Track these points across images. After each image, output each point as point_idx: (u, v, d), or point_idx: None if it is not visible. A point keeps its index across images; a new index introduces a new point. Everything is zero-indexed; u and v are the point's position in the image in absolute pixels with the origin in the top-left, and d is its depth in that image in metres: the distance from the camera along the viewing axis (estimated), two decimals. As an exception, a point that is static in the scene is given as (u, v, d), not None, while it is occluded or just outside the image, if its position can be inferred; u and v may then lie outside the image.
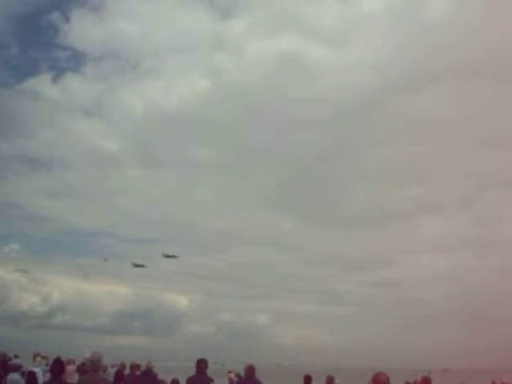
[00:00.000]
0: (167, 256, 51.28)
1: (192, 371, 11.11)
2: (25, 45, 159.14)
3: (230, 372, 13.73)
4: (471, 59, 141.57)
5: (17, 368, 12.27)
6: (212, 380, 11.01)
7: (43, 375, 12.91)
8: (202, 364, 10.96)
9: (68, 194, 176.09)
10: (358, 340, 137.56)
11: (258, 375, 11.67)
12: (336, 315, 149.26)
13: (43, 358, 16.98)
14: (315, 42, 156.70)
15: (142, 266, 50.78)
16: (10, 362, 14.38)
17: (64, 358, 12.57)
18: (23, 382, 11.75)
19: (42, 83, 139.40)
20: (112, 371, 16.45)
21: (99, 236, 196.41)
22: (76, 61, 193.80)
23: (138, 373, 16.09)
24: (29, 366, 14.53)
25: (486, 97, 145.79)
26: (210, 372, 11.09)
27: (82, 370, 14.72)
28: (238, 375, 13.36)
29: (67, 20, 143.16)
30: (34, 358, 16.46)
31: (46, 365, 14.86)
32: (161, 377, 15.65)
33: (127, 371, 16.22)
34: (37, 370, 13.06)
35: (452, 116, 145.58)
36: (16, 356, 17.97)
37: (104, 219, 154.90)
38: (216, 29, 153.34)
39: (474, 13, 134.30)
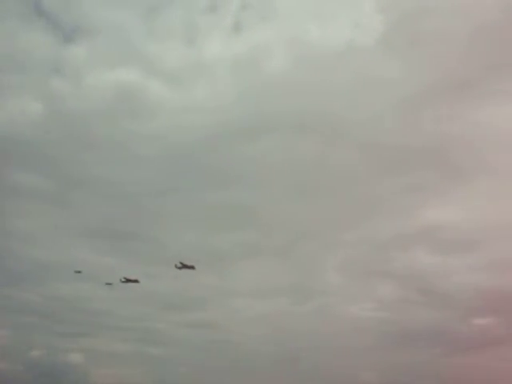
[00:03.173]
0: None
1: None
2: None
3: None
4: (303, 115, 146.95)
5: None
6: None
7: None
8: None
9: None
10: (171, 382, 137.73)
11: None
12: (152, 355, 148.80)
13: None
14: (156, 80, 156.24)
15: None
16: None
17: None
18: None
19: None
20: None
21: None
22: None
23: None
24: None
25: (311, 151, 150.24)
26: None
27: None
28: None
29: None
30: None
31: None
32: None
33: None
34: None
35: (281, 166, 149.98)
36: None
37: None
38: (57, 53, 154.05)
39: (306, 74, 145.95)
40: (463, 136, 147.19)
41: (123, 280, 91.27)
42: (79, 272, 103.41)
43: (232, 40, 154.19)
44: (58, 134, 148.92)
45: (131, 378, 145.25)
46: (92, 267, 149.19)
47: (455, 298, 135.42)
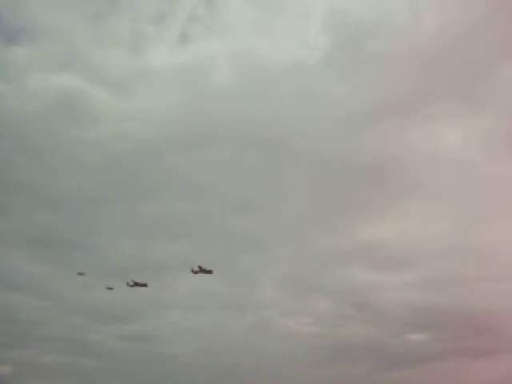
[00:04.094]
0: None
1: None
2: None
3: None
4: (246, 129, 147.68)
5: None
6: None
7: None
8: None
9: None
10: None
11: None
12: (85, 367, 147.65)
13: None
14: (99, 86, 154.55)
15: None
16: None
17: None
18: None
19: None
20: None
21: None
22: None
23: None
24: None
25: (253, 164, 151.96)
26: None
27: None
28: None
29: None
30: None
31: None
32: None
33: None
34: None
35: (223, 178, 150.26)
36: None
37: None
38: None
39: (252, 88, 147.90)
40: (401, 156, 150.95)
41: (131, 284, 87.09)
42: (82, 274, 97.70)
43: (178, 50, 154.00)
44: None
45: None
46: (26, 276, 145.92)
47: (390, 314, 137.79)
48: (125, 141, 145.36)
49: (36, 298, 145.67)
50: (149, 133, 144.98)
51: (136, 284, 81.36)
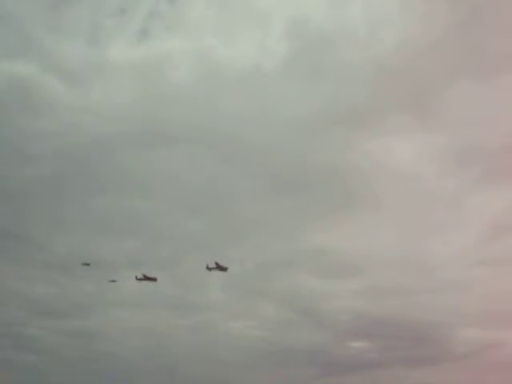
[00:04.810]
0: None
1: None
2: None
3: None
4: (201, 130, 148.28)
5: None
6: None
7: None
8: None
9: None
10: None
11: None
12: (24, 362, 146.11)
13: None
14: (54, 76, 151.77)
15: None
16: None
17: None
18: None
19: None
20: None
21: None
22: None
23: None
24: None
25: (206, 166, 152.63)
26: None
27: None
28: None
29: None
30: None
31: None
32: None
33: None
34: None
35: (175, 178, 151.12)
36: None
37: None
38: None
39: (209, 90, 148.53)
40: (355, 165, 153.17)
41: (140, 277, 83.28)
42: (88, 264, 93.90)
43: (137, 46, 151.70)
44: None
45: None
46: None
47: (334, 320, 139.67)
48: (77, 133, 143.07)
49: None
50: (102, 127, 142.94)
51: (146, 278, 79.31)
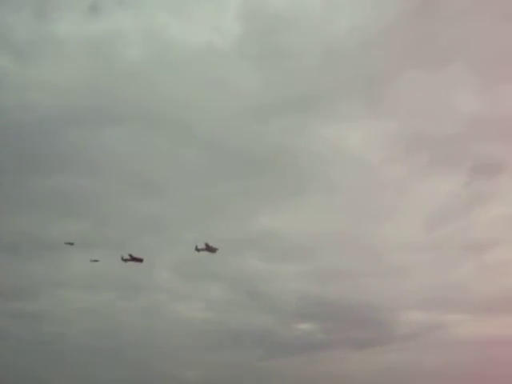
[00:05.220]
0: None
1: None
2: None
3: None
4: (153, 109, 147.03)
5: None
6: None
7: None
8: None
9: None
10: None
11: None
12: None
13: None
14: (3, 53, 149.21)
15: None
16: None
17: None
18: None
19: None
20: None
21: None
22: None
23: None
24: None
25: (157, 146, 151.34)
26: None
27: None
28: None
29: None
30: None
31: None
32: None
33: None
34: None
35: (125, 158, 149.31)
36: None
37: None
38: None
39: (162, 69, 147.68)
40: (306, 150, 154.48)
41: (126, 257, 79.30)
42: (71, 244, 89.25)
43: (88, 21, 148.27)
44: None
45: None
46: None
47: (281, 303, 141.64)
48: (24, 110, 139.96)
49: None
50: (51, 104, 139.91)
51: (132, 258, 76.47)
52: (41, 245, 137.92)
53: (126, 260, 74.72)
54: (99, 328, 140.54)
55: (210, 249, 75.69)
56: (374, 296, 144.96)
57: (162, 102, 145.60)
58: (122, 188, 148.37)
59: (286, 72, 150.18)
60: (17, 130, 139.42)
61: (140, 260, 76.30)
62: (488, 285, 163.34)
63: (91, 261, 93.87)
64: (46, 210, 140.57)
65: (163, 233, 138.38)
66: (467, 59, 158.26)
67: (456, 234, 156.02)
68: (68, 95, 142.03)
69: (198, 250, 74.89)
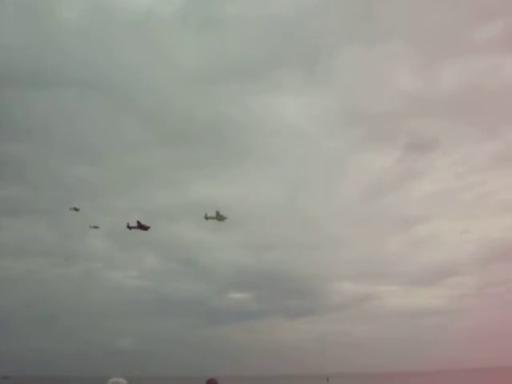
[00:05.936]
0: None
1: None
2: None
3: None
4: (91, 73, 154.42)
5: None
6: None
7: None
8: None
9: None
10: None
11: None
12: None
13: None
14: None
15: None
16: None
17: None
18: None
19: None
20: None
21: None
22: None
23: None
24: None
25: (96, 111, 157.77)
26: None
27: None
28: None
29: None
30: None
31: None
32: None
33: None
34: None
35: (63, 122, 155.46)
36: None
37: None
38: None
39: (100, 32, 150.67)
40: (241, 121, 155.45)
41: (133, 225, 74.87)
42: (77, 209, 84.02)
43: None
44: None
45: None
46: None
47: (216, 272, 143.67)
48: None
49: None
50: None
51: (139, 225, 72.95)
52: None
53: (131, 227, 72.73)
54: (32, 295, 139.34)
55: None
56: (309, 266, 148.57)
57: (101, 67, 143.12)
58: (55, 153, 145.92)
59: (226, 41, 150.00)
60: None
61: (147, 228, 74.37)
62: (418, 258, 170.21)
63: (90, 227, 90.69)
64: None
65: (100, 199, 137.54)
66: (407, 37, 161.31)
67: (389, 208, 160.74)
68: (4, 57, 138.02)
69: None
